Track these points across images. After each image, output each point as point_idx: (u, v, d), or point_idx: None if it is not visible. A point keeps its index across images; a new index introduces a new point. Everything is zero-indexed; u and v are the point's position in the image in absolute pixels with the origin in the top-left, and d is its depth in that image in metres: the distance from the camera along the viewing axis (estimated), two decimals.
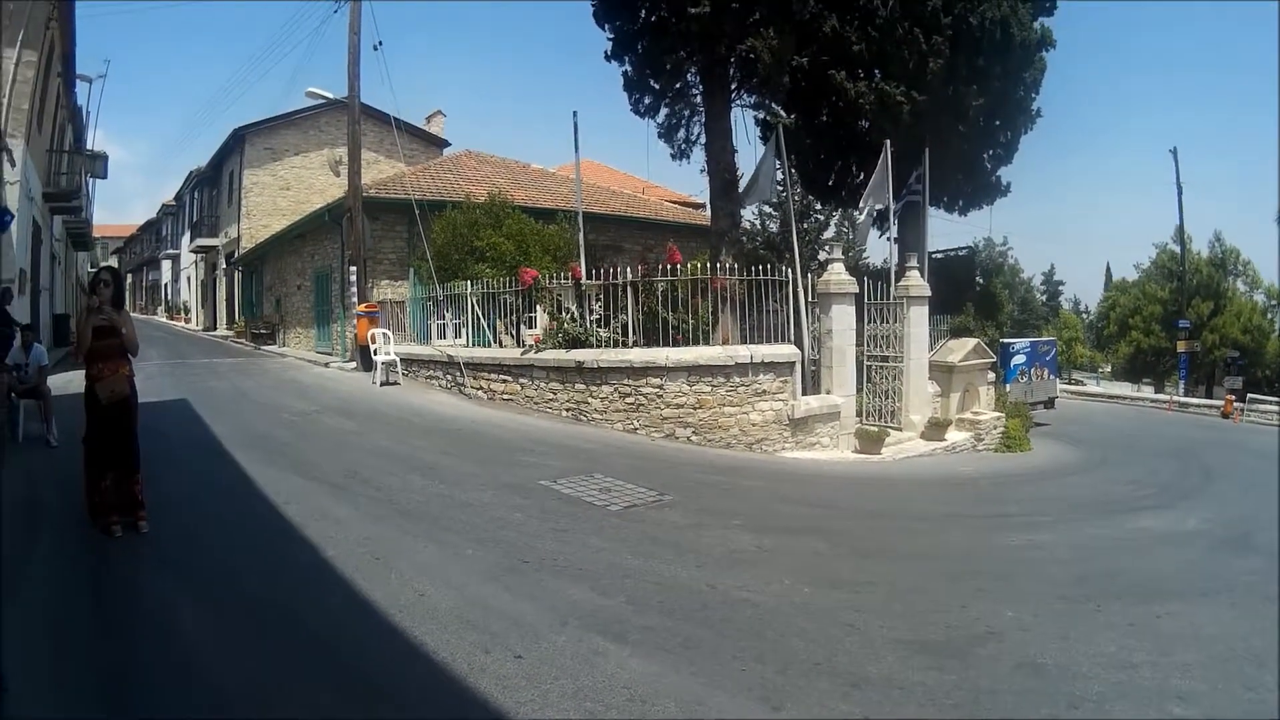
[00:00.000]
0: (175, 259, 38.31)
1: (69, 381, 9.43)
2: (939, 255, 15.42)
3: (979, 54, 12.95)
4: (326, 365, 14.82)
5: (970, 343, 13.14)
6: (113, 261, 55.17)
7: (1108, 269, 45.95)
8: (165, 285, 42.17)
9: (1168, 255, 32.86)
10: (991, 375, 14.24)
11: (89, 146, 22.27)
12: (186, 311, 35.17)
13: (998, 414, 13.07)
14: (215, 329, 28.17)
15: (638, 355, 8.99)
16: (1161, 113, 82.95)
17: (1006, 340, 17.69)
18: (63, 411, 7.76)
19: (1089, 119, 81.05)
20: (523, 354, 10.08)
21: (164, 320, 37.24)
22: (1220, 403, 23.71)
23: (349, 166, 14.36)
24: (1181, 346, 27.69)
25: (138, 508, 5.03)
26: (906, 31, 12.42)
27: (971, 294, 16.69)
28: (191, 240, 31.36)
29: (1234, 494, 9.55)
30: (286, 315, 20.30)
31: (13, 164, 11.56)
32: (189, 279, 34.60)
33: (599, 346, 9.49)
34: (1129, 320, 33.66)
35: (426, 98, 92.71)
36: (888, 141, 11.76)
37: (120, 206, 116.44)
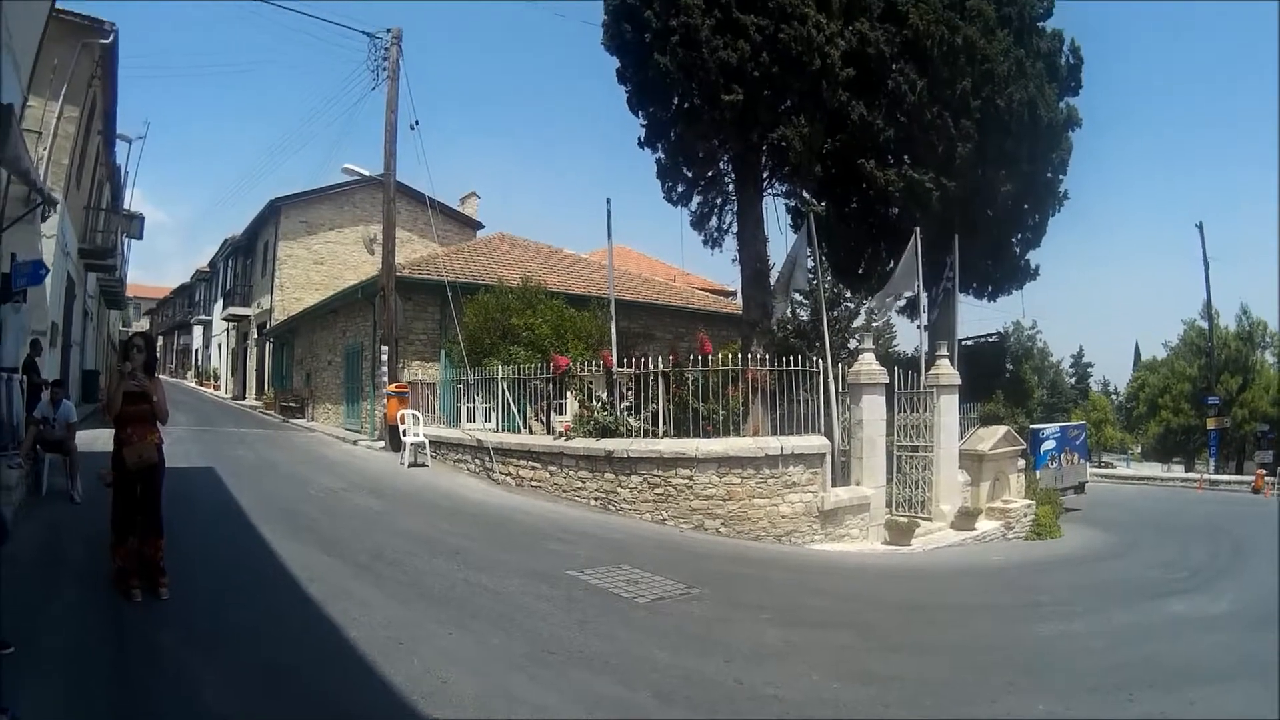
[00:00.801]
0: (207, 325, 39.05)
1: (96, 438, 9.55)
2: (969, 342, 15.44)
3: (1007, 136, 13.11)
4: (355, 443, 14.93)
5: (1000, 430, 13.07)
6: (144, 323, 56.39)
7: (1136, 348, 45.72)
8: (196, 350, 42.94)
9: (1196, 332, 32.72)
10: (1021, 462, 14.12)
11: (126, 206, 22.57)
12: (216, 378, 35.70)
13: (1028, 501, 12.94)
14: (244, 398, 28.51)
15: (668, 446, 9.00)
16: (1187, 186, 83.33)
17: (1036, 426, 17.56)
18: (87, 468, 7.85)
19: (1115, 196, 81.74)
20: (553, 441, 10.12)
21: (193, 385, 37.77)
22: (1251, 478, 23.36)
23: (383, 245, 14.52)
24: (1211, 423, 27.39)
25: (159, 573, 5.06)
26: (935, 116, 12.55)
27: (1001, 381, 16.68)
28: (224, 308, 31.99)
29: (1265, 571, 9.41)
30: (316, 390, 20.52)
31: (52, 213, 11.79)
32: (220, 346, 35.21)
33: (629, 436, 9.52)
34: (1158, 400, 33.49)
35: (461, 179, 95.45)
36: (917, 229, 11.84)
37: (155, 267, 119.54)
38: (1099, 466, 29.50)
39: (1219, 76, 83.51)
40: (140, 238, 24.69)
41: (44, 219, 11.60)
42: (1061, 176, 14.63)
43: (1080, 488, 17.73)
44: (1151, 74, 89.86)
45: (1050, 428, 17.98)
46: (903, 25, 12.60)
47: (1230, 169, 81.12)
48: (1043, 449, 16.59)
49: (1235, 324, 32.47)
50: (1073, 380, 45.58)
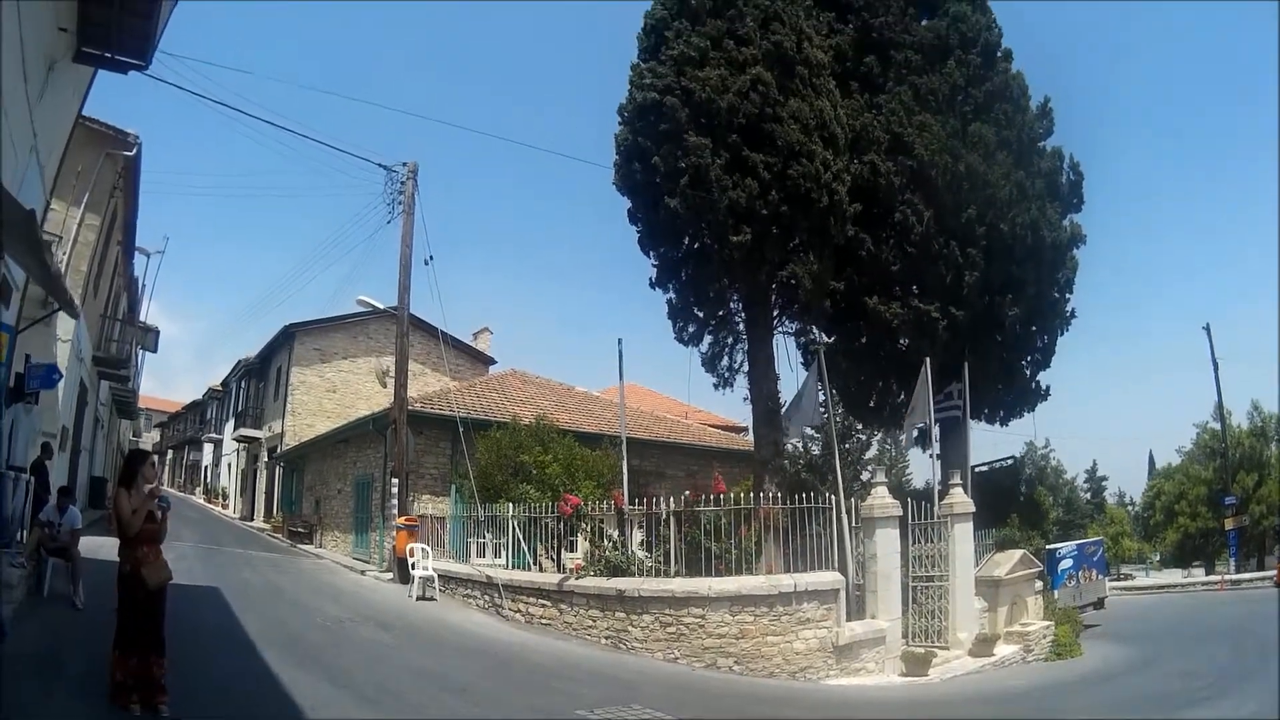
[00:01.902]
0: (218, 443, 39.19)
1: (100, 546, 9.51)
2: (982, 468, 15.38)
3: (1012, 261, 13.27)
4: (363, 573, 14.83)
5: (1016, 554, 12.95)
6: (155, 435, 56.69)
7: (1150, 457, 45.67)
8: (206, 467, 42.93)
9: (1209, 434, 32.59)
10: (1039, 584, 13.92)
11: (142, 319, 22.69)
12: (225, 497, 35.59)
13: (1046, 623, 12.75)
14: (252, 519, 28.38)
15: (679, 585, 8.92)
16: (1191, 290, 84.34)
17: (1052, 546, 17.35)
18: (89, 576, 7.86)
19: (1120, 308, 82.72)
20: (563, 580, 10.04)
21: (201, 502, 37.61)
22: (1272, 572, 22.87)
23: (396, 378, 14.68)
24: (1230, 523, 27.05)
25: (160, 690, 5.03)
26: (942, 245, 12.72)
27: (1016, 504, 16.56)
28: (235, 428, 32.21)
29: None
30: (325, 517, 20.45)
31: (74, 317, 11.78)
32: (230, 465, 35.25)
33: (640, 575, 9.45)
34: (1174, 506, 33.23)
35: (474, 314, 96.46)
36: (926, 360, 11.89)
37: (168, 381, 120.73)
38: (1118, 579, 28.97)
39: (1215, 177, 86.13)
40: (155, 351, 24.94)
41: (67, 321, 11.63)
42: (1068, 295, 14.73)
43: (1100, 603, 17.42)
44: (1149, 178, 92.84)
45: (1067, 546, 17.76)
46: (909, 156, 12.78)
47: (1233, 266, 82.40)
48: (1060, 568, 16.36)
49: (1248, 421, 32.28)
50: (1088, 496, 45.06)
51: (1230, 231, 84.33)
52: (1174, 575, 29.95)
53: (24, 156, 6.76)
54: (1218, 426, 31.15)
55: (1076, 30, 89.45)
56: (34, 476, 9.42)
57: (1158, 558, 37.79)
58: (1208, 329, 29.34)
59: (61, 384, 11.52)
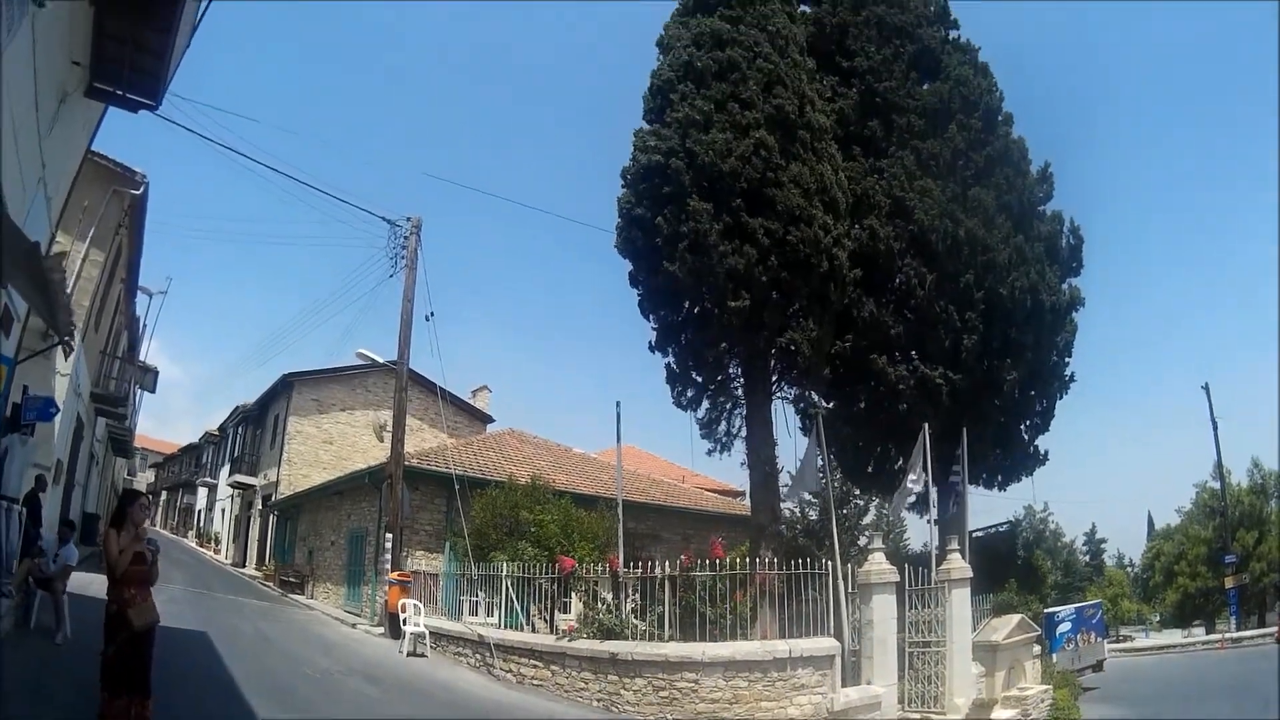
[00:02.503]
0: (212, 488, 38.95)
1: (90, 582, 9.44)
2: (980, 533, 15.36)
3: (1011, 325, 13.32)
4: (354, 625, 14.66)
5: (1014, 620, 12.87)
6: (150, 475, 56.29)
7: (1149, 518, 45.55)
8: (199, 511, 42.53)
9: (1208, 494, 32.64)
10: (1037, 648, 13.81)
11: (142, 358, 22.72)
12: (217, 542, 35.23)
13: (1045, 687, 12.72)
14: (244, 565, 28.08)
15: (673, 650, 8.81)
16: (1188, 349, 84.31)
17: (1050, 610, 17.27)
18: (78, 610, 7.88)
19: (1117, 369, 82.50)
20: (556, 641, 9.94)
21: (193, 545, 37.20)
22: (1273, 629, 22.64)
23: (393, 433, 14.66)
24: (1230, 581, 26.98)
25: None
26: (942, 310, 12.78)
27: (1014, 569, 16.57)
28: (231, 473, 32.02)
29: None
30: (318, 568, 20.24)
31: (67, 355, 11.74)
32: (224, 511, 34.98)
33: (634, 639, 9.36)
34: (1174, 566, 33.13)
35: (473, 372, 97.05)
36: (925, 426, 11.82)
37: (165, 421, 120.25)
38: (1117, 641, 28.72)
39: (1213, 234, 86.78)
40: (153, 391, 24.87)
41: (64, 356, 11.56)
42: (1067, 359, 14.81)
43: (1099, 665, 17.33)
44: (1144, 236, 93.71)
45: (1065, 610, 17.67)
46: (909, 220, 12.88)
47: (1231, 324, 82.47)
48: (1058, 631, 16.26)
49: (1248, 478, 32.33)
50: (1086, 558, 44.79)
51: (1228, 288, 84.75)
52: (1174, 636, 29.70)
53: (31, 188, 6.75)
54: (1217, 485, 31.21)
55: (1073, 85, 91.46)
56: (26, 508, 9.38)
57: (1157, 618, 37.50)
58: (1206, 388, 29.60)
59: (58, 418, 11.47)
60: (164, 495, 50.00)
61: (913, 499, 13.59)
